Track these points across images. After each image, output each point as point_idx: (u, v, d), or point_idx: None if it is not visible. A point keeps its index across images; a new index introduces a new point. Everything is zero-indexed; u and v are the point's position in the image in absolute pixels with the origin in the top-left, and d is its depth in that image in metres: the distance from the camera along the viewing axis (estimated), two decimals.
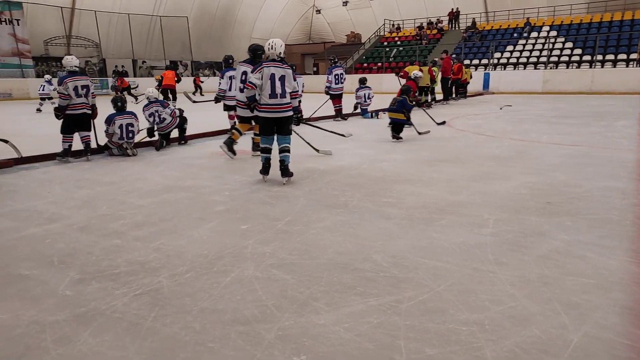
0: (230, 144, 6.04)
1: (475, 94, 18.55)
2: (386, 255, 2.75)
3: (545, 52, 20.94)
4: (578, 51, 20.10)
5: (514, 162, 5.53)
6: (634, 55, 18.74)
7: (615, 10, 22.28)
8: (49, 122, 10.17)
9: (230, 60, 8.51)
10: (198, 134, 8.13)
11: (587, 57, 19.62)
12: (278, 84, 4.56)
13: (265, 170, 4.78)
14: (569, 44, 20.79)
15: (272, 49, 4.63)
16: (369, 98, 11.35)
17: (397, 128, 7.31)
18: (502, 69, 21.26)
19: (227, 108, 8.39)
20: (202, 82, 23.29)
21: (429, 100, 13.51)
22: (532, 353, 1.78)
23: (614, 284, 2.33)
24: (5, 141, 4.59)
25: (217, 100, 8.20)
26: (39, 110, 13.82)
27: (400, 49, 26.00)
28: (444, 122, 9.20)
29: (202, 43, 31.42)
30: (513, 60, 21.60)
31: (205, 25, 31.28)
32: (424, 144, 6.98)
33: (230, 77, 8.16)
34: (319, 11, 35.49)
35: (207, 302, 2.23)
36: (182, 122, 7.38)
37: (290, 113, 4.72)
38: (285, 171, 4.66)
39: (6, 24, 22.44)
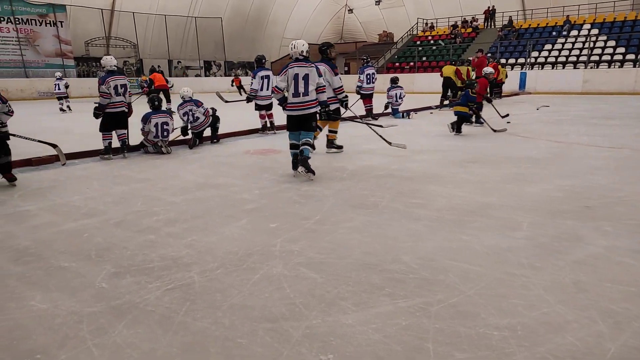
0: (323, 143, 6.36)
1: (510, 94, 18.08)
2: (415, 257, 2.72)
3: (585, 51, 20.19)
4: (621, 50, 19.28)
5: (550, 164, 5.36)
6: None
7: None
8: (87, 120, 10.56)
9: (263, 60, 8.60)
10: (230, 132, 8.26)
11: (631, 56, 18.80)
12: (301, 83, 4.75)
13: (295, 166, 4.99)
14: (612, 42, 19.95)
15: (294, 48, 4.84)
16: (400, 98, 11.25)
17: (459, 122, 7.44)
18: (540, 68, 20.62)
19: (258, 107, 8.50)
20: (242, 83, 22.97)
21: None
22: None
23: None
24: (54, 146, 4.80)
25: (248, 100, 8.32)
26: (63, 110, 14.05)
27: (453, 43, 25.62)
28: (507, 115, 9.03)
29: (234, 43, 31.88)
30: (551, 59, 20.92)
31: (238, 26, 31.72)
32: (456, 144, 6.86)
33: (263, 77, 8.26)
34: (351, 10, 35.41)
35: (236, 299, 2.26)
36: (215, 121, 7.51)
37: (313, 110, 4.88)
38: (302, 162, 4.78)
39: (50, 25, 23.42)
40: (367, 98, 10.67)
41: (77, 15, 24.96)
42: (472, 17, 26.42)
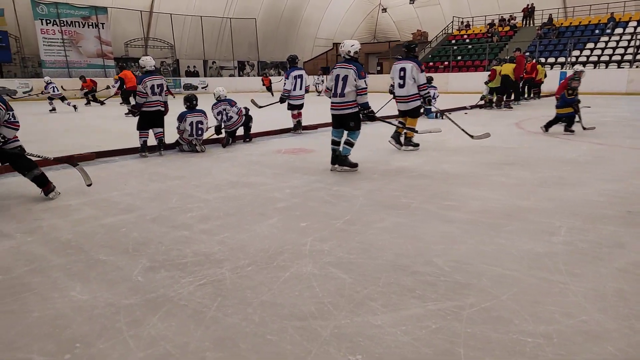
0: (397, 137, 6.51)
1: (550, 94, 17.51)
2: (448, 260, 2.67)
3: (630, 50, 19.31)
4: None
5: (591, 167, 5.16)
6: None
7: None
8: (126, 120, 10.90)
9: (296, 60, 8.64)
10: (262, 132, 8.35)
11: None
12: (340, 83, 4.91)
13: (333, 160, 5.21)
14: None
15: (342, 47, 5.02)
16: (434, 98, 11.08)
17: (568, 122, 7.77)
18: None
19: (291, 107, 8.55)
20: (271, 82, 22.88)
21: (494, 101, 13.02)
22: None
23: None
24: (75, 164, 4.45)
25: (282, 100, 8.38)
26: (54, 110, 14.27)
27: (490, 42, 25.11)
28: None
29: (268, 43, 32.22)
30: (593, 58, 20.13)
31: (271, 26, 32.04)
32: (491, 146, 6.70)
33: (296, 77, 8.30)
34: (385, 10, 35.13)
35: (266, 296, 2.29)
36: (248, 121, 7.61)
37: (350, 111, 4.98)
38: (341, 161, 5.12)
39: (93, 27, 24.32)
40: None
41: (117, 17, 25.81)
42: (510, 16, 25.74)
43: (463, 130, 5.81)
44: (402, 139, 6.48)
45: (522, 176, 4.76)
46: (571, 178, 4.65)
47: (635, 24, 20.75)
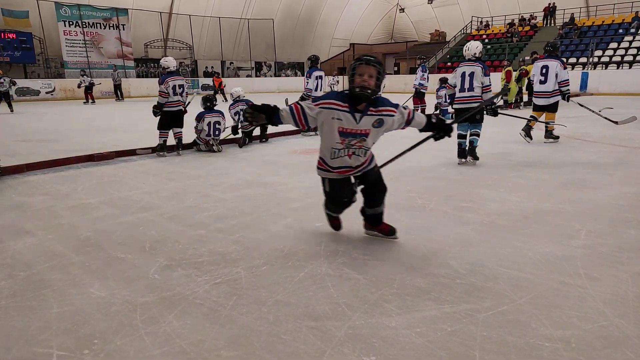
0: (528, 130, 7.04)
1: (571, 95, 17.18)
2: (463, 262, 2.65)
3: None
4: None
5: (613, 169, 5.05)
6: None
7: None
8: (147, 119, 11.07)
9: (318, 60, 8.59)
10: (279, 132, 8.38)
11: None
12: (467, 79, 5.49)
13: (461, 154, 5.54)
14: None
15: (467, 50, 5.64)
16: (446, 100, 11.01)
17: None
18: (603, 68, 19.47)
19: None
20: (224, 85, 20.70)
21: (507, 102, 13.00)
22: None
23: None
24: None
25: (302, 99, 8.37)
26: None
27: (509, 42, 24.80)
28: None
29: (285, 44, 32.37)
30: (616, 58, 19.69)
31: (289, 27, 32.18)
32: (510, 147, 6.61)
33: (317, 77, 8.27)
34: (402, 10, 34.97)
35: (281, 295, 2.30)
36: None
37: (476, 105, 5.37)
38: (472, 151, 5.51)
39: (113, 28, 24.77)
40: (423, 97, 10.64)
41: (137, 18, 26.24)
42: (531, 15, 25.35)
43: (602, 116, 6.90)
44: (531, 132, 7.11)
45: (541, 178, 4.69)
46: (592, 180, 4.56)
47: None
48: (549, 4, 24.81)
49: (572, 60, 20.75)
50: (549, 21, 25.01)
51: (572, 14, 23.65)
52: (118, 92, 20.39)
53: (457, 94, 5.61)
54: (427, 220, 3.42)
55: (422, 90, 10.54)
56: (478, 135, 5.56)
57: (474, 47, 5.58)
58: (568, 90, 6.85)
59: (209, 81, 27.42)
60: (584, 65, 20.22)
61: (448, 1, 30.77)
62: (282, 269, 2.61)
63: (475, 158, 5.53)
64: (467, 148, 5.51)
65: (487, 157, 5.87)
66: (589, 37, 21.53)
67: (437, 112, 11.11)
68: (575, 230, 3.15)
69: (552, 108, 7.03)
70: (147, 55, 27.29)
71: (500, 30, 26.31)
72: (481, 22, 27.81)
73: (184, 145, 6.85)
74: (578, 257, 2.69)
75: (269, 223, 3.44)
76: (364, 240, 3.04)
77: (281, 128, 8.63)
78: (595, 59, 20.10)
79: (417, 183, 4.59)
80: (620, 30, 21.18)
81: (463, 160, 5.55)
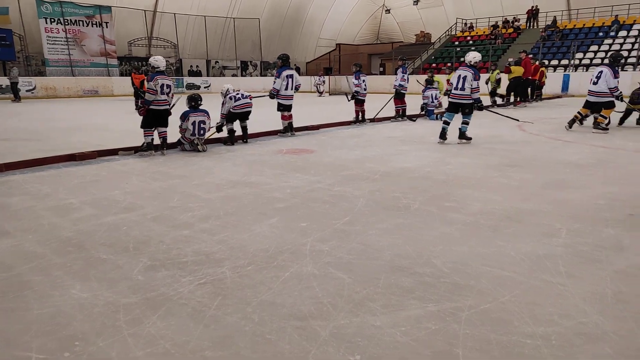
0: (598, 126, 8.15)
1: (552, 97, 17.49)
2: (447, 261, 2.68)
3: (634, 52, 19.26)
4: None
5: (593, 169, 5.16)
6: None
7: None
8: (129, 118, 10.92)
9: (289, 59, 8.42)
10: (264, 132, 8.34)
11: None
12: (461, 81, 6.81)
13: (442, 135, 7.06)
14: None
15: (467, 57, 6.96)
16: (435, 99, 11.10)
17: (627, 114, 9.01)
18: (584, 70, 19.83)
19: (281, 108, 8.22)
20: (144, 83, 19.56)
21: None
22: None
23: None
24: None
25: (271, 96, 8.24)
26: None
27: (493, 44, 25.06)
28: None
29: (271, 43, 32.27)
30: (597, 60, 20.08)
31: (275, 26, 32.10)
32: (493, 148, 6.70)
33: (287, 77, 8.12)
34: (388, 11, 35.17)
35: (266, 295, 2.29)
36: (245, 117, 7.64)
37: (466, 101, 6.87)
38: (462, 135, 7.03)
39: (96, 26, 24.40)
40: (403, 98, 10.66)
41: (121, 16, 25.89)
42: (514, 17, 25.71)
43: (505, 116, 8.27)
44: (575, 124, 8.49)
45: (523, 178, 4.76)
46: (573, 180, 4.65)
47: (639, 26, 20.69)
48: (532, 6, 25.19)
49: (554, 62, 21.10)
50: (532, 23, 25.39)
51: (555, 16, 24.04)
52: (14, 92, 18.60)
53: (452, 91, 6.99)
54: (411, 220, 3.45)
55: (402, 91, 10.57)
56: (467, 123, 7.03)
57: (471, 56, 6.90)
58: (620, 93, 8.04)
59: (194, 80, 27.20)
60: (565, 67, 20.58)
61: (433, 3, 31.05)
62: (267, 269, 2.60)
63: (468, 139, 7.01)
64: (447, 133, 7.03)
65: (470, 158, 5.94)
66: (571, 39, 21.92)
67: (423, 112, 11.19)
68: (556, 229, 3.20)
69: (607, 105, 8.09)
70: (131, 53, 26.94)
71: (484, 32, 26.63)
72: (465, 23, 28.10)
73: (168, 145, 6.79)
74: (559, 256, 2.74)
75: (254, 223, 3.43)
76: (349, 240, 3.05)
77: (267, 127, 8.60)
78: (577, 61, 20.47)
79: (401, 183, 4.62)
80: (601, 33, 21.61)
81: (442, 140, 7.05)
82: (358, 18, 36.05)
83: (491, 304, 2.17)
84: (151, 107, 6.45)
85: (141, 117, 6.62)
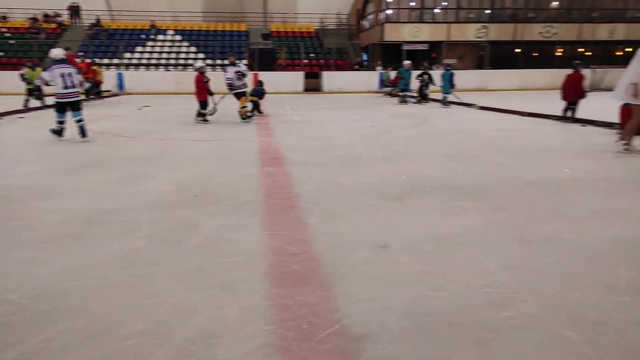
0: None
1: (111, 95, 17.77)
2: (26, 291, 2.29)
3: (173, 55, 22.10)
4: (202, 55, 22.16)
5: (159, 160, 5.63)
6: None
7: (225, 21, 25.70)
8: None
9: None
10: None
11: (210, 61, 21.92)
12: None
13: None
14: (193, 49, 22.70)
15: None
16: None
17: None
18: (135, 69, 21.14)
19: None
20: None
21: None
22: (199, 343, 1.88)
23: (255, 256, 2.72)
24: None
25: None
26: None
27: (36, 39, 21.99)
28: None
29: None
30: (144, 61, 21.82)
31: None
32: (57, 151, 6.18)
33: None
34: None
35: None
36: None
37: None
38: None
39: None
40: None
41: None
42: (55, 12, 24.13)
43: None
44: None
45: (99, 178, 4.65)
46: (145, 173, 4.92)
47: (173, 32, 23.81)
48: (73, 3, 24.35)
49: (106, 60, 21.41)
50: (75, 20, 24.60)
51: (98, 16, 24.18)
52: None
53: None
54: None
55: None
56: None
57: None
58: None
59: None
60: (117, 66, 21.26)
61: None
62: None
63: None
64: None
65: (37, 164, 5.26)
66: (117, 39, 22.76)
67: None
68: (138, 223, 3.32)
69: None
70: None
71: (22, 24, 23.72)
72: None
73: None
74: (144, 247, 2.86)
75: None
76: None
77: None
78: (127, 61, 21.52)
79: None
80: (142, 36, 23.49)
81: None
82: None
83: (86, 320, 2.03)
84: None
85: None
